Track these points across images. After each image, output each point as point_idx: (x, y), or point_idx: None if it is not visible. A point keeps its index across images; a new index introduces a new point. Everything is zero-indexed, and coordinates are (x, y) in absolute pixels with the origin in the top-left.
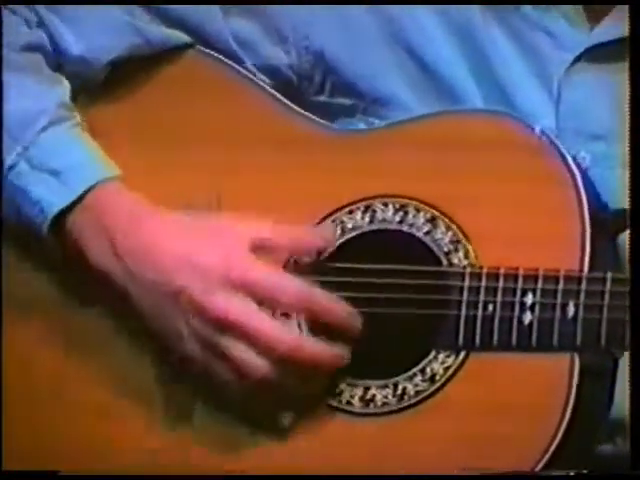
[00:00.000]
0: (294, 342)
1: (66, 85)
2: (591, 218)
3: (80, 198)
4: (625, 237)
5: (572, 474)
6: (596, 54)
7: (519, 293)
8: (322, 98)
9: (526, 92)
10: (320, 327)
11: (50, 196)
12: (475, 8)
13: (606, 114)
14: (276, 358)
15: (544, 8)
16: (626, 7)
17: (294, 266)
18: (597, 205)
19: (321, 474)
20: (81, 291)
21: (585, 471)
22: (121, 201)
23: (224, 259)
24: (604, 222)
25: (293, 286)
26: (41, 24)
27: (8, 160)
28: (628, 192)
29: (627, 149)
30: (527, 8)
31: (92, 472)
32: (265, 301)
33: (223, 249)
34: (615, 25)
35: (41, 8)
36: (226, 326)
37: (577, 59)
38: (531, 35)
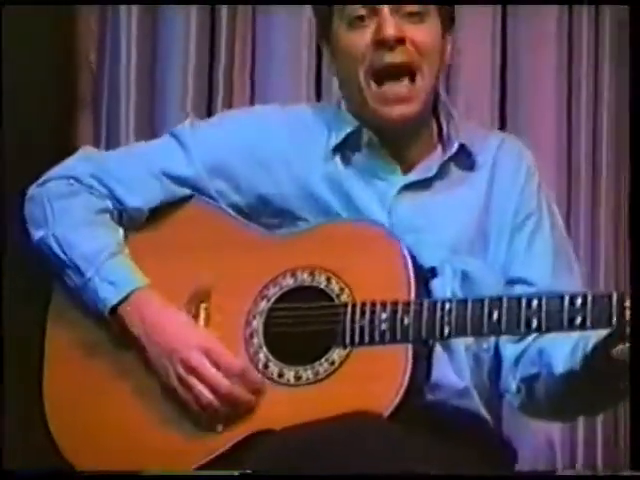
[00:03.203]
0: (229, 389)
1: (120, 232)
2: (415, 274)
3: (126, 297)
4: (436, 283)
5: (572, 474)
6: (409, 187)
7: (378, 313)
8: (263, 219)
9: (372, 211)
10: None
11: (109, 296)
12: (340, 166)
13: (421, 219)
14: (217, 395)
15: (379, 164)
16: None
17: (253, 306)
18: (417, 266)
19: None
20: (123, 344)
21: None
22: (148, 299)
23: (201, 340)
24: (423, 275)
25: (237, 364)
26: (111, 191)
27: (87, 275)
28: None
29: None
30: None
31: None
32: (220, 367)
33: (201, 336)
34: (421, 171)
35: (111, 181)
36: (193, 371)
37: (398, 192)
38: (370, 179)
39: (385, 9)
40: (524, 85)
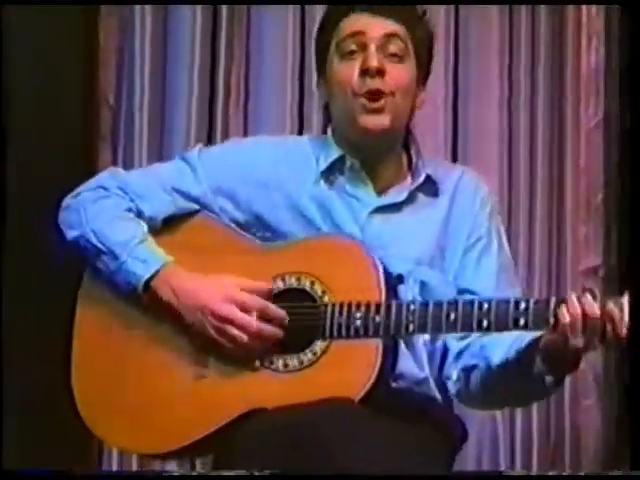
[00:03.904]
0: (258, 326)
1: (144, 225)
2: (385, 280)
3: (156, 272)
4: (400, 289)
5: (572, 474)
6: (381, 209)
7: (353, 312)
8: (258, 233)
9: (348, 227)
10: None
11: (142, 271)
12: (325, 187)
13: (389, 237)
14: (249, 333)
15: (357, 187)
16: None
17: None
18: (387, 274)
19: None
20: (155, 312)
21: None
22: (175, 271)
23: (223, 292)
24: (392, 282)
25: (257, 302)
26: (132, 200)
27: (121, 258)
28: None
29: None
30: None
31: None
32: (245, 309)
33: (222, 288)
34: (393, 195)
35: (131, 193)
36: (224, 319)
37: (371, 212)
38: (349, 200)
39: (372, 46)
40: (473, 87)
